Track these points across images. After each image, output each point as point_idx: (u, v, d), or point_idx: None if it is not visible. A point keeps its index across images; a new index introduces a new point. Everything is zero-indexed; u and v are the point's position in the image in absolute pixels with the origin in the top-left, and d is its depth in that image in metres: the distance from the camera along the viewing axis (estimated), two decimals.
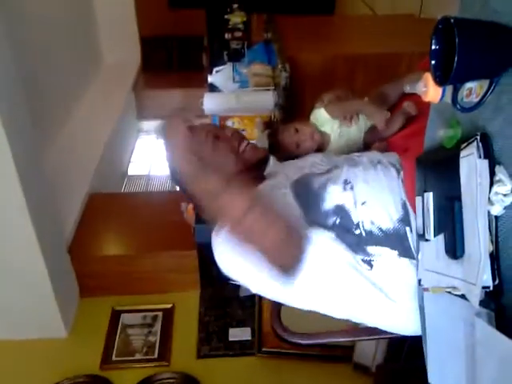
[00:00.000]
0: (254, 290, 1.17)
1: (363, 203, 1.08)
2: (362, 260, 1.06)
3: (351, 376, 2.48)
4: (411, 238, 1.05)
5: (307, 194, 1.11)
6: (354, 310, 1.13)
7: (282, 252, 1.00)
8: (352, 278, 1.07)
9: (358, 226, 1.07)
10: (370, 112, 1.39)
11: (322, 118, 1.45)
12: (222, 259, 1.12)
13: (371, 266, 1.06)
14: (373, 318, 1.14)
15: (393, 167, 1.15)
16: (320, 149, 1.44)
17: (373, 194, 1.08)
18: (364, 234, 1.06)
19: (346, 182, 1.11)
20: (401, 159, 1.17)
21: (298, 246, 1.01)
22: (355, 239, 1.06)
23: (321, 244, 1.06)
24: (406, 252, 1.05)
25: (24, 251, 2.38)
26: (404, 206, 1.07)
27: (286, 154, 1.41)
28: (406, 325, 1.12)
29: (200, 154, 1.18)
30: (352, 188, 1.10)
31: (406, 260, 1.05)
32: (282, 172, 1.22)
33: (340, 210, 1.08)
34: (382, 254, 1.06)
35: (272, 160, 1.32)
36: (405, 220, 1.06)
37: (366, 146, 1.44)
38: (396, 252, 1.06)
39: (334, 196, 1.09)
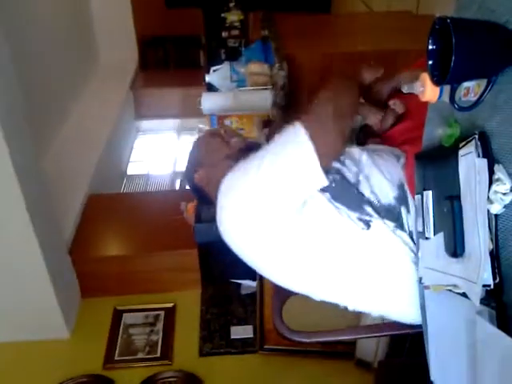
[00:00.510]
0: (261, 271, 1.16)
1: (366, 176, 1.10)
2: (358, 218, 1.05)
3: (353, 372, 2.48)
4: (405, 219, 1.06)
5: None
6: (350, 287, 1.11)
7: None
8: (346, 239, 1.06)
9: (356, 186, 1.08)
10: (365, 113, 1.41)
11: None
12: (232, 235, 1.12)
13: (368, 225, 1.05)
14: (369, 298, 1.12)
15: (392, 154, 1.17)
16: None
17: (375, 169, 1.11)
18: (364, 196, 1.08)
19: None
20: (401, 148, 1.20)
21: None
22: (353, 197, 1.07)
23: (316, 209, 1.06)
24: (401, 227, 1.06)
25: (24, 253, 2.38)
26: (401, 188, 1.09)
27: None
28: (404, 309, 1.11)
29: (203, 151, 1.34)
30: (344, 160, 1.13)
31: (402, 234, 1.06)
32: None
33: (338, 171, 1.11)
34: (381, 221, 1.06)
35: None
36: (400, 199, 1.08)
37: (359, 144, 1.45)
38: (393, 224, 1.06)
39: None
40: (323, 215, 1.06)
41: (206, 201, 1.35)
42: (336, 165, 1.12)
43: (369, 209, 1.07)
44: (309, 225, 1.05)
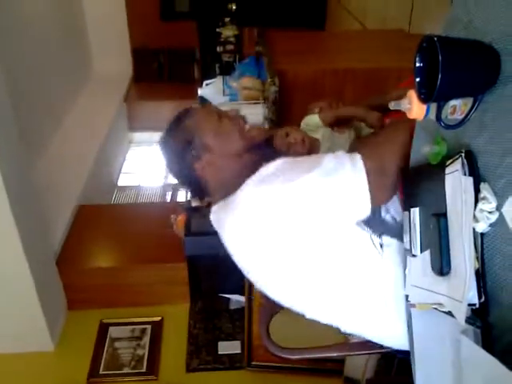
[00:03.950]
0: (257, 283, 1.11)
1: None
2: (380, 244, 1.04)
3: None
4: None
5: None
6: (349, 312, 1.10)
7: None
8: (362, 262, 1.04)
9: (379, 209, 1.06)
10: (363, 114, 1.41)
11: (314, 124, 1.46)
12: (234, 242, 1.06)
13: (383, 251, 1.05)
14: (367, 324, 1.11)
15: None
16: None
17: None
18: (384, 220, 1.06)
19: None
20: None
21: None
22: (377, 222, 1.04)
23: (343, 231, 1.03)
24: None
25: (11, 263, 2.35)
26: None
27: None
28: (399, 336, 1.09)
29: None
30: None
31: None
32: None
33: None
34: (391, 245, 1.05)
35: None
36: None
37: None
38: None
39: None
40: (348, 238, 1.04)
41: (199, 193, 1.21)
42: None
43: (386, 237, 1.05)
44: (328, 243, 1.02)
